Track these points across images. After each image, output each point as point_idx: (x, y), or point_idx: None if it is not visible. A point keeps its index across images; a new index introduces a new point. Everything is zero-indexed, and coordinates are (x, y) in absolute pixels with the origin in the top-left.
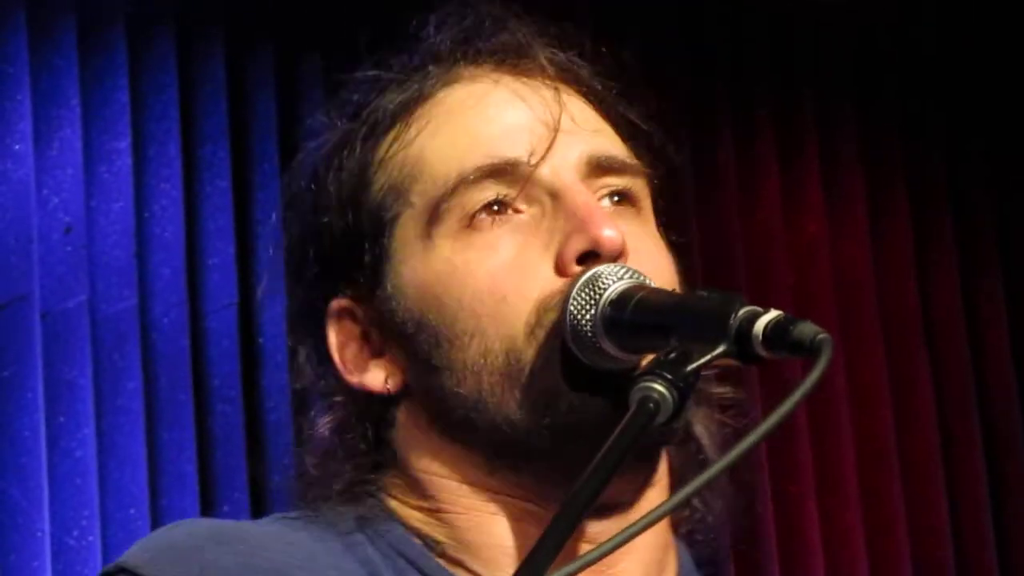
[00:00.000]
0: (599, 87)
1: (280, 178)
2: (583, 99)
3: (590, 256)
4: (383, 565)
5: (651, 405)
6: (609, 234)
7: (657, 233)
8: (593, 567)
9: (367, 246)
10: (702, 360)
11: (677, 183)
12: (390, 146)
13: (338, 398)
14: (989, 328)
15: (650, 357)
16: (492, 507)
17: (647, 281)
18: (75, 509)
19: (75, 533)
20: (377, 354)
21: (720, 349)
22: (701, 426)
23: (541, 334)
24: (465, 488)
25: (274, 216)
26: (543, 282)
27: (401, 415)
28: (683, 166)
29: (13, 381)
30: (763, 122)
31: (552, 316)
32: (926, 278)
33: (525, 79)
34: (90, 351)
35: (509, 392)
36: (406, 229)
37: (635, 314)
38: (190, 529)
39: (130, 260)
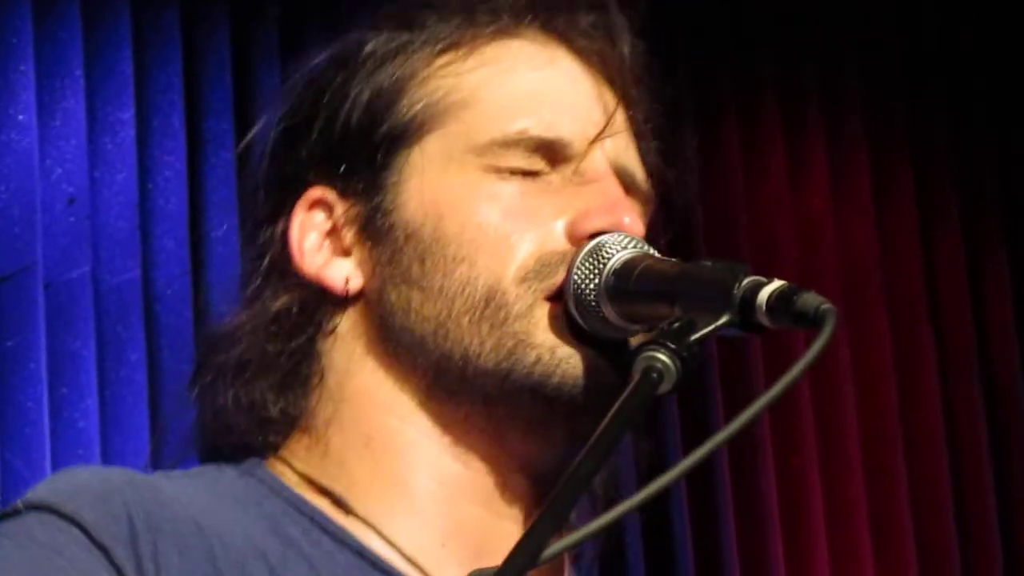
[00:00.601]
0: (644, 104)
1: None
2: (630, 108)
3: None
4: (283, 520)
5: (655, 375)
6: (631, 223)
7: None
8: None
9: (382, 146)
10: (706, 330)
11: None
12: (442, 67)
13: (282, 284)
14: (993, 304)
15: (652, 327)
16: (417, 451)
17: (651, 251)
18: None
19: None
20: (343, 253)
21: (724, 319)
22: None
23: (532, 286)
24: (393, 419)
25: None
26: (552, 239)
27: (346, 321)
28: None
29: (16, 352)
30: (767, 96)
31: (548, 274)
32: (931, 253)
33: (592, 60)
34: (93, 322)
35: (476, 326)
36: (433, 145)
37: (639, 283)
38: (99, 473)
39: (133, 231)
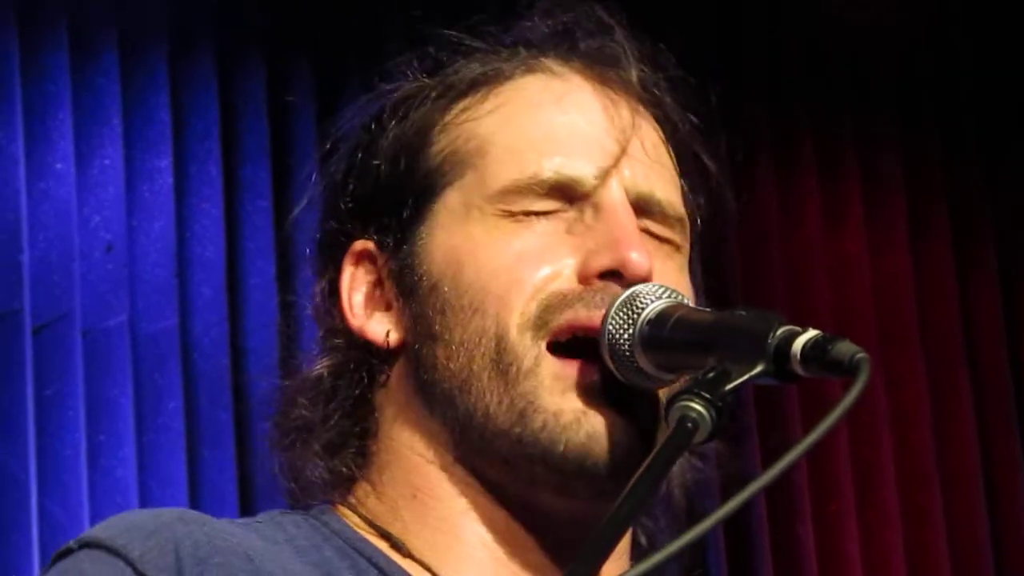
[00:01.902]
0: (675, 118)
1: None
2: (656, 126)
3: (614, 275)
4: (341, 565)
5: (689, 424)
6: (636, 258)
7: (687, 275)
8: None
9: (410, 200)
10: (740, 379)
11: (721, 237)
12: (460, 113)
13: (338, 340)
14: None
15: (687, 376)
16: (462, 500)
17: (685, 300)
18: None
19: None
20: (385, 307)
21: (758, 368)
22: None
23: (534, 335)
24: (435, 469)
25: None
26: (557, 280)
27: (392, 374)
28: (728, 238)
29: (55, 399)
30: (803, 139)
31: (549, 320)
32: (967, 296)
33: (607, 88)
34: (131, 370)
35: (494, 383)
36: (454, 196)
37: (673, 332)
38: (151, 512)
39: (171, 279)
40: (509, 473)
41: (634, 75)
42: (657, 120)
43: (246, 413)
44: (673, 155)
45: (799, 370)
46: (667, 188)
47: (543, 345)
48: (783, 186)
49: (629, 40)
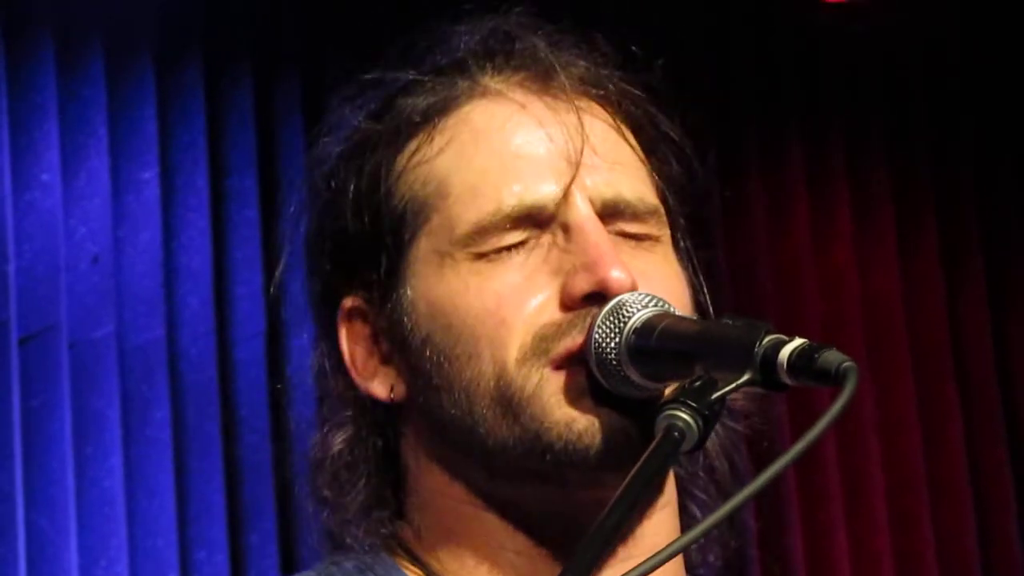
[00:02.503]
0: (625, 100)
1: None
2: (608, 115)
3: (595, 297)
4: None
5: (676, 433)
6: (617, 275)
7: (675, 261)
8: None
9: (383, 254)
10: (727, 388)
11: (704, 194)
12: (412, 156)
13: (348, 412)
14: (1018, 356)
15: (674, 385)
16: (494, 535)
17: (672, 309)
18: (103, 539)
19: (103, 563)
20: (385, 361)
21: (745, 377)
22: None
23: (534, 363)
24: (467, 507)
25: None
26: (545, 312)
27: (406, 426)
28: (711, 192)
29: (41, 411)
30: (792, 150)
31: (547, 348)
32: (955, 306)
33: (550, 97)
34: (118, 381)
35: (502, 420)
36: (424, 245)
37: (660, 342)
38: None
39: (158, 290)
40: (545, 487)
41: (574, 72)
42: (606, 109)
43: (233, 424)
44: (632, 137)
45: (786, 379)
46: (633, 183)
47: (545, 370)
48: (772, 198)
49: (561, 34)
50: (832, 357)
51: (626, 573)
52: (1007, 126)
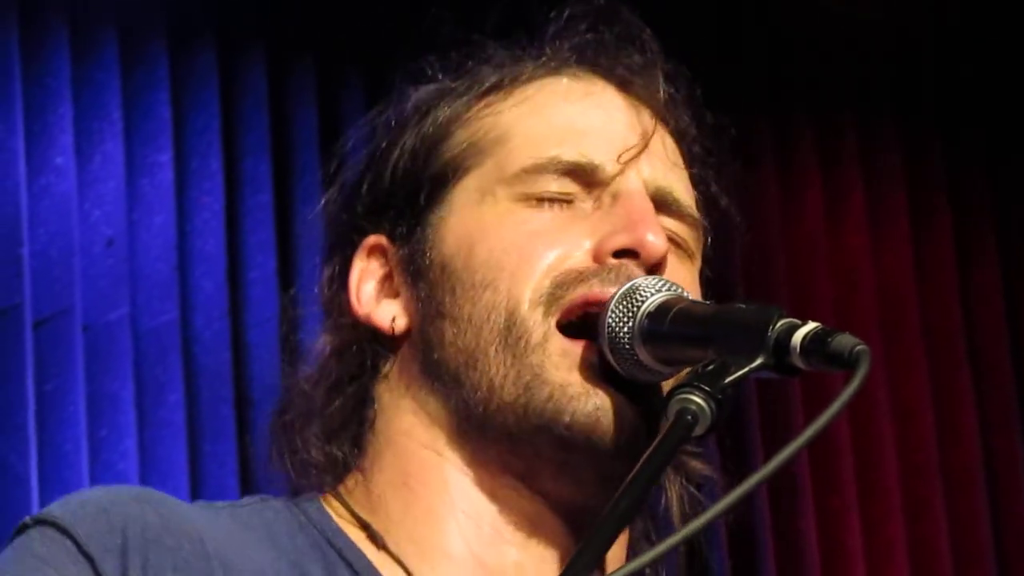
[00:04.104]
0: (691, 134)
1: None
2: (673, 138)
3: (629, 254)
4: (310, 554)
5: (689, 417)
6: (653, 239)
7: (697, 280)
8: None
9: (426, 188)
10: (740, 372)
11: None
12: (483, 108)
13: (344, 320)
14: None
15: (687, 370)
16: (453, 489)
17: (685, 294)
18: None
19: None
20: (393, 295)
21: (758, 361)
22: (673, 493)
23: (545, 310)
24: (431, 455)
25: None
26: (575, 256)
27: (394, 363)
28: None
29: (55, 394)
30: (804, 132)
31: (561, 295)
32: (968, 291)
33: (630, 96)
34: (132, 364)
35: (501, 356)
36: (469, 183)
37: (673, 326)
38: (112, 489)
39: (172, 273)
40: (511, 450)
41: (658, 91)
42: (673, 133)
43: (247, 407)
44: (688, 168)
45: (799, 363)
46: (686, 189)
47: (552, 323)
48: (784, 180)
49: (653, 54)
50: (845, 341)
51: (619, 570)
52: (1020, 109)
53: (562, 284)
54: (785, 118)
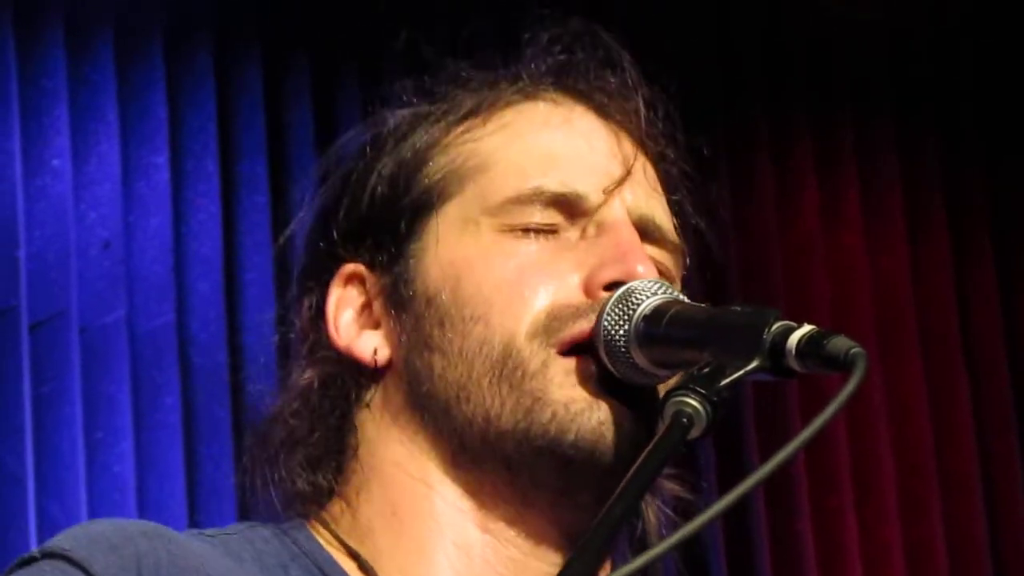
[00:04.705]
0: (669, 156)
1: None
2: (652, 162)
3: (619, 286)
4: None
5: (685, 420)
6: (644, 272)
7: None
8: None
9: (406, 216)
10: (736, 375)
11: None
12: (462, 134)
13: (316, 371)
14: None
15: (682, 373)
16: (442, 520)
17: (680, 296)
18: None
19: None
20: (373, 326)
21: (754, 364)
22: (651, 512)
23: (544, 341)
24: (421, 487)
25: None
26: (566, 291)
27: (377, 393)
28: (717, 181)
29: (52, 396)
30: (801, 133)
31: (559, 328)
32: (965, 291)
33: (609, 121)
34: (128, 366)
35: (496, 387)
36: (451, 210)
37: (669, 328)
38: (118, 524)
39: (168, 275)
40: (509, 479)
41: (637, 115)
42: (651, 158)
43: (244, 409)
44: (678, 185)
45: (795, 365)
46: (666, 216)
47: (552, 351)
48: (781, 181)
49: (631, 77)
50: (841, 343)
51: (623, 569)
52: (1017, 110)
53: (558, 318)
54: (782, 118)
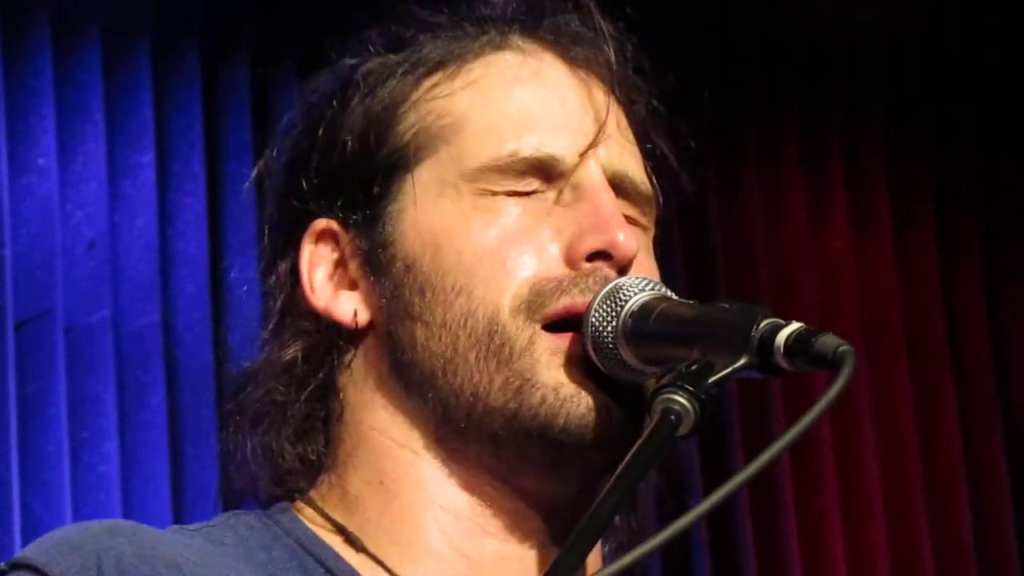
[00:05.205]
0: (639, 100)
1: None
2: (623, 108)
3: (601, 256)
4: (288, 565)
5: (673, 417)
6: (624, 240)
7: (652, 257)
8: None
9: (379, 176)
10: (724, 372)
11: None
12: (431, 89)
13: (307, 323)
14: (1014, 345)
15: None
16: (431, 487)
17: (668, 293)
18: None
19: None
20: (350, 286)
21: (742, 361)
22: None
23: (528, 317)
24: (407, 453)
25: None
26: (547, 264)
27: (360, 355)
28: (705, 182)
29: (37, 396)
30: (788, 136)
31: (542, 303)
32: (951, 293)
33: (577, 68)
34: (114, 366)
35: (484, 363)
36: (427, 173)
37: (656, 325)
38: (83, 525)
39: (154, 275)
40: (496, 452)
41: (603, 56)
42: (621, 102)
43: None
44: (639, 138)
45: (783, 363)
46: (638, 168)
47: (537, 327)
48: (769, 183)
49: (594, 18)
50: (829, 341)
51: (608, 568)
52: (1007, 113)
53: (541, 292)
54: (771, 119)
